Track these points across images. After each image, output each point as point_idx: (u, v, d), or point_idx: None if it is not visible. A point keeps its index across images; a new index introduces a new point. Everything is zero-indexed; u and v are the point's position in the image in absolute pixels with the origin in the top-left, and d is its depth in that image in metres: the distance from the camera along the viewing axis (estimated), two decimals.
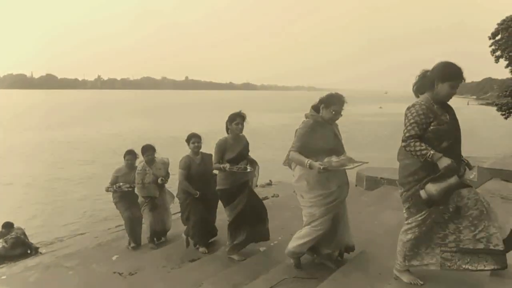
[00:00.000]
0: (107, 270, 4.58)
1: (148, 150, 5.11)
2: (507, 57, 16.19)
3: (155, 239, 5.28)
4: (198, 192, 4.46)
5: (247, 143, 4.17)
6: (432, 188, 2.53)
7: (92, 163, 16.38)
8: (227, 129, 4.05)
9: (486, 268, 2.59)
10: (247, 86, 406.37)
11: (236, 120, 3.98)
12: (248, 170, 3.99)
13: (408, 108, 2.67)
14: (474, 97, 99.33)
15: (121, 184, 5.23)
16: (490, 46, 16.59)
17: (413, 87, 2.78)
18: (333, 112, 3.20)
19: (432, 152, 2.51)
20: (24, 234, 6.58)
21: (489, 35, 16.43)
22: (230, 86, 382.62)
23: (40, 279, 4.68)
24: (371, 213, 5.12)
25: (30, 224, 8.23)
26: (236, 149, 4.02)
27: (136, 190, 5.13)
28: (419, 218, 2.68)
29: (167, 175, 5.22)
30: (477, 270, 2.61)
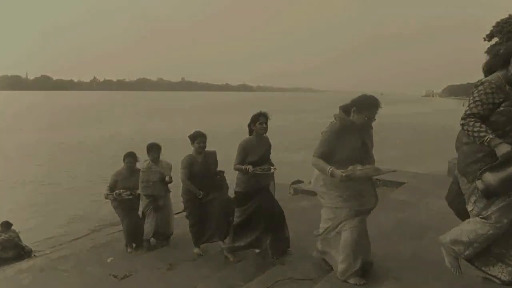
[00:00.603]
0: (101, 272, 4.55)
1: (154, 148, 4.98)
2: None
3: (153, 241, 5.21)
4: (201, 192, 4.34)
5: (270, 145, 4.02)
6: (491, 177, 2.27)
7: (88, 165, 16.30)
8: (250, 130, 3.89)
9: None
10: (243, 88, 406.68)
11: (260, 119, 3.80)
12: (272, 170, 3.85)
13: (476, 86, 2.42)
14: (469, 98, 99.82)
15: (121, 191, 5.06)
16: (486, 52, 16.67)
17: (484, 67, 2.54)
18: (366, 118, 2.90)
19: (491, 136, 2.23)
20: (18, 237, 6.53)
21: (484, 36, 16.54)
22: (226, 88, 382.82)
23: (34, 282, 4.64)
24: None
25: (24, 226, 8.16)
26: (259, 151, 3.87)
27: (140, 190, 5.00)
28: (495, 208, 2.34)
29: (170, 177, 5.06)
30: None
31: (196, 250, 4.57)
